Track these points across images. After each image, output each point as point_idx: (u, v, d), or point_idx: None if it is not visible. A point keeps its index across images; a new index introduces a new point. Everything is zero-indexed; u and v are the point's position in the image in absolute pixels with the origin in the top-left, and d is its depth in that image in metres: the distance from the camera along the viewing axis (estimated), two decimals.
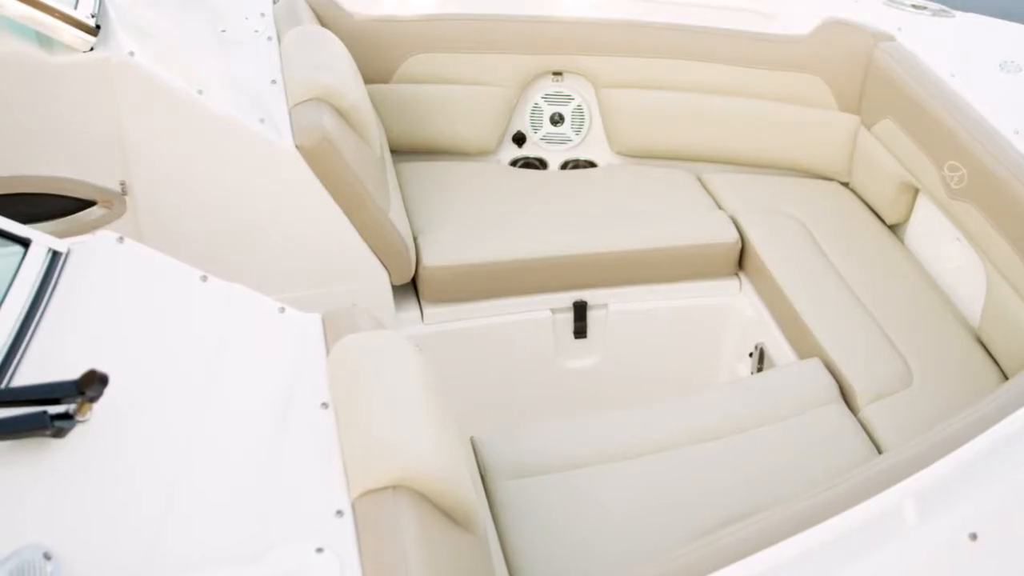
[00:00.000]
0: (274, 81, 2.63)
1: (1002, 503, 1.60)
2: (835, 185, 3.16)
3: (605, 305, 2.86)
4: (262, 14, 2.96)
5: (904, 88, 2.81)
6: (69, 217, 2.38)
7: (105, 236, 1.71)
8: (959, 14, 3.25)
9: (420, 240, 2.77)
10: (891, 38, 3.00)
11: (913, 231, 2.94)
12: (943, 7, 3.28)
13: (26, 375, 1.43)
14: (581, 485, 2.07)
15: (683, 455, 2.14)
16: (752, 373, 2.86)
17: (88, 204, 2.38)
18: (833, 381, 2.39)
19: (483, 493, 2.06)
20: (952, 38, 3.06)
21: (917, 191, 2.90)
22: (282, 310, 1.79)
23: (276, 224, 2.50)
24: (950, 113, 2.64)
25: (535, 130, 3.29)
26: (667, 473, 2.10)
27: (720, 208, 3.04)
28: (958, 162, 2.58)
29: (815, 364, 2.44)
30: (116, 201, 2.39)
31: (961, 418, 1.80)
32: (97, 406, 1.40)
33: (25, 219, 2.34)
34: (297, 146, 2.42)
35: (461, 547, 1.53)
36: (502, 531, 1.99)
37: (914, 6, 3.26)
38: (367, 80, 3.10)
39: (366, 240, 2.56)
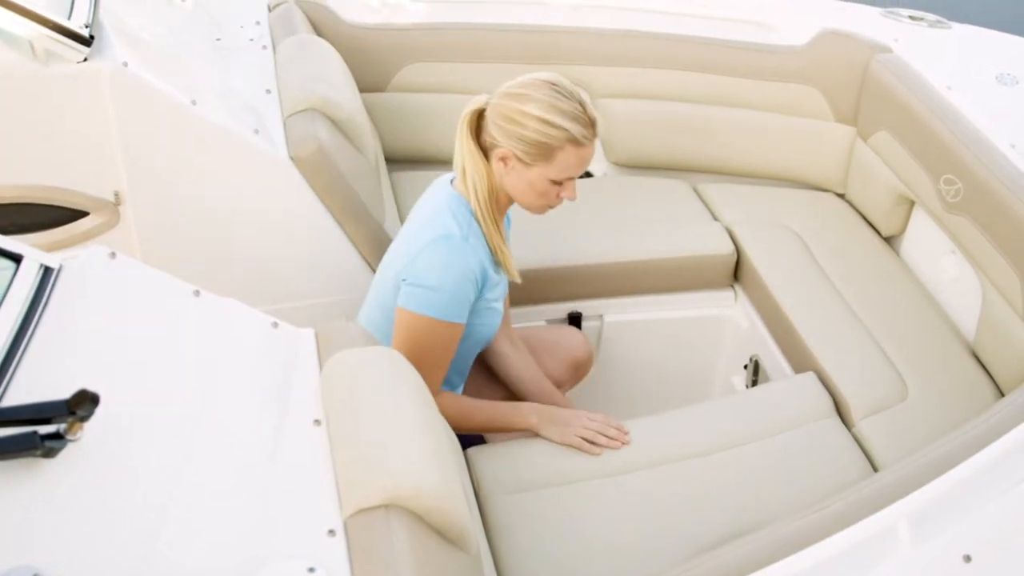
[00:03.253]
0: (269, 91, 2.62)
1: (997, 524, 1.60)
2: (831, 196, 3.16)
3: (600, 316, 2.86)
4: (257, 22, 2.96)
5: (900, 100, 2.80)
6: (62, 227, 2.37)
7: (97, 251, 1.70)
8: (956, 26, 3.26)
9: None
10: (888, 49, 2.99)
11: (909, 243, 2.94)
12: (940, 18, 3.28)
13: (16, 394, 1.42)
14: (576, 500, 2.07)
15: (679, 470, 2.14)
16: (747, 385, 2.86)
17: (82, 214, 2.37)
18: (828, 396, 2.38)
19: (477, 508, 2.05)
20: (949, 50, 3.06)
21: (913, 203, 2.90)
22: (275, 325, 1.79)
23: (270, 234, 2.49)
24: (946, 126, 2.64)
25: None
26: (662, 489, 2.10)
27: (716, 219, 3.03)
28: (954, 175, 2.57)
29: (810, 378, 2.43)
30: (110, 211, 2.38)
31: (956, 436, 1.80)
32: (88, 425, 1.39)
33: (18, 229, 2.33)
34: (291, 157, 2.42)
35: (454, 566, 1.52)
36: (496, 547, 1.98)
37: (911, 17, 3.26)
38: (362, 89, 3.10)
39: (361, 251, 2.55)
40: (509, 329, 2.48)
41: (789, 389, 2.40)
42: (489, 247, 2.16)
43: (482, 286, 2.14)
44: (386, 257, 2.24)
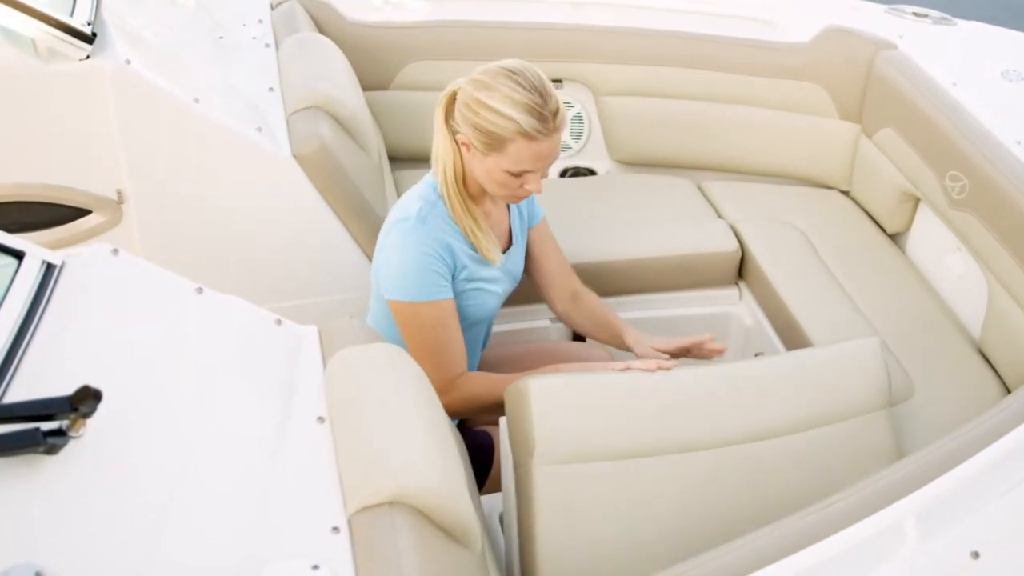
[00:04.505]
0: (272, 89, 2.62)
1: (1005, 520, 1.59)
2: (835, 194, 3.15)
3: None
4: (260, 20, 2.95)
5: (905, 97, 2.80)
6: (65, 226, 2.37)
7: (100, 248, 1.69)
8: (961, 22, 3.25)
9: None
10: (892, 46, 2.99)
11: (914, 241, 2.93)
12: (945, 15, 3.27)
13: (19, 391, 1.41)
14: (624, 479, 1.91)
15: (741, 454, 1.97)
16: None
17: (84, 212, 2.37)
18: (885, 372, 2.15)
19: (513, 482, 1.93)
20: (954, 46, 3.05)
21: (918, 200, 2.89)
22: (279, 322, 1.78)
23: (273, 232, 2.49)
24: (951, 122, 2.63)
25: None
26: (719, 474, 1.95)
27: (720, 217, 3.03)
28: (959, 172, 2.56)
29: (873, 346, 2.17)
30: (112, 209, 2.37)
31: (962, 433, 1.78)
32: (91, 422, 1.39)
33: (20, 227, 2.33)
34: (294, 154, 2.41)
35: (458, 564, 1.52)
36: (532, 520, 1.86)
37: (915, 14, 3.26)
38: (365, 87, 3.09)
39: (364, 249, 2.55)
40: (570, 286, 2.45)
41: (853, 358, 2.15)
42: (462, 229, 2.14)
43: (454, 262, 2.11)
44: None
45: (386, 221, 2.15)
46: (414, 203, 2.10)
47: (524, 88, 1.96)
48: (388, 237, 2.10)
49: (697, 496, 1.92)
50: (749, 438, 1.98)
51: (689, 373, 1.99)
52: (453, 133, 2.07)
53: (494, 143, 1.99)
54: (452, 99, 2.06)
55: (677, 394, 1.98)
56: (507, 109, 1.95)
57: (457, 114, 2.03)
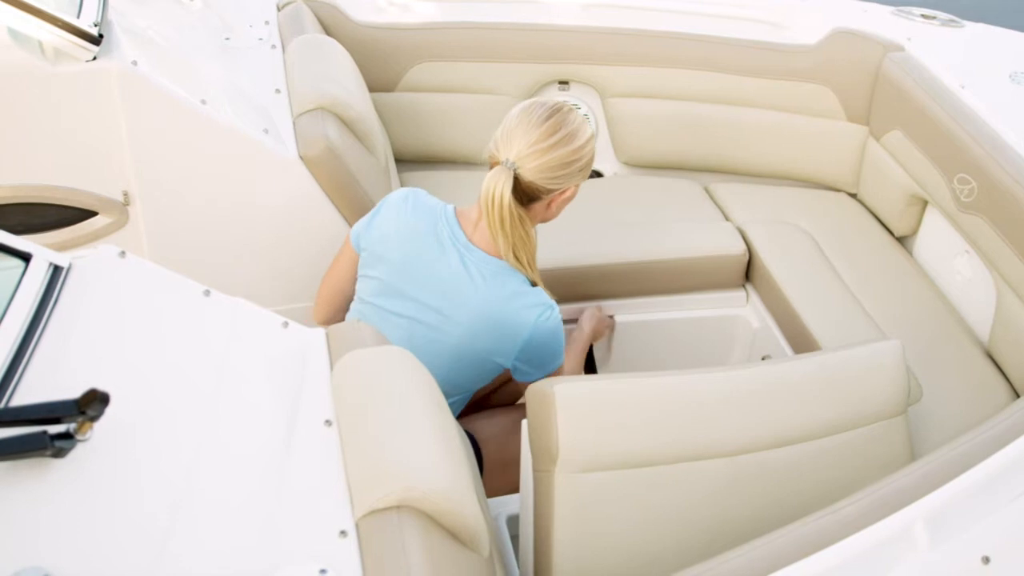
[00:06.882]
0: (278, 90, 2.62)
1: (1015, 525, 1.58)
2: (843, 196, 3.14)
3: (611, 317, 2.85)
4: (266, 22, 2.95)
5: (913, 99, 2.79)
6: (71, 227, 2.36)
7: (107, 250, 1.69)
8: (969, 24, 3.24)
9: None
10: (900, 48, 2.98)
11: (922, 243, 2.92)
12: (953, 17, 3.27)
13: (26, 394, 1.41)
14: (642, 486, 1.88)
15: (754, 461, 1.94)
16: None
17: (90, 214, 2.37)
18: (906, 374, 2.13)
19: (531, 486, 1.91)
20: (962, 48, 3.04)
21: (926, 203, 2.88)
22: (285, 324, 1.77)
23: (279, 234, 2.48)
24: (960, 125, 2.62)
25: None
26: (732, 480, 1.92)
27: (727, 219, 3.02)
28: (968, 175, 2.56)
29: (895, 348, 2.11)
30: (119, 211, 2.37)
31: (972, 437, 1.78)
32: (98, 425, 1.38)
33: (26, 229, 2.33)
34: (301, 156, 2.41)
35: (467, 568, 1.51)
36: (553, 522, 1.84)
37: (923, 16, 3.25)
38: (372, 88, 3.09)
39: None
40: None
41: (875, 361, 2.09)
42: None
43: None
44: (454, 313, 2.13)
45: (521, 321, 2.09)
46: (529, 289, 2.10)
47: (558, 109, 2.04)
48: (543, 327, 2.08)
49: (717, 503, 1.90)
50: (771, 444, 1.94)
51: (712, 377, 1.95)
52: (535, 205, 2.06)
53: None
54: (516, 185, 2.00)
55: (700, 399, 1.93)
56: (586, 129, 2.05)
57: (548, 183, 2.01)
